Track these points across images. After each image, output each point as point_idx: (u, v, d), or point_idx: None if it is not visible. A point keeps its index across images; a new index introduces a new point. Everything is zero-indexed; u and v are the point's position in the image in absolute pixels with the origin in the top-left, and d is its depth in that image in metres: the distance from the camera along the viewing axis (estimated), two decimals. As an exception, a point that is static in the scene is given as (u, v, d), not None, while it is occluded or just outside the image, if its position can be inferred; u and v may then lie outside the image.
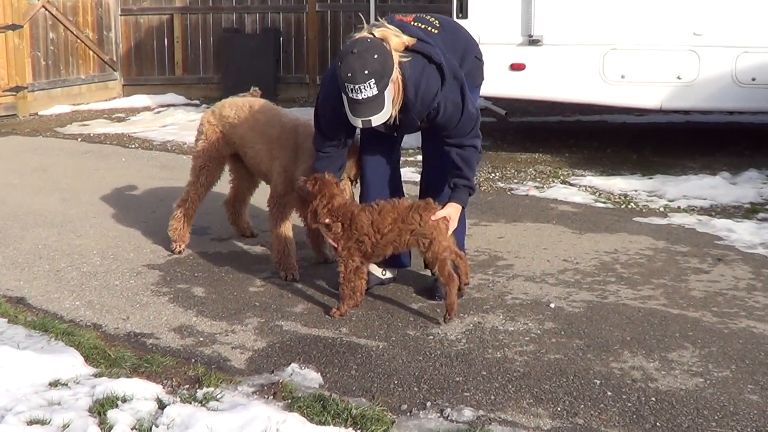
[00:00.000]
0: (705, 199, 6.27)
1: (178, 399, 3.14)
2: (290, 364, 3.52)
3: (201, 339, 3.84)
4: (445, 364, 3.53)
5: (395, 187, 4.33)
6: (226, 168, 5.12)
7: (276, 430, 2.86)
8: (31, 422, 2.93)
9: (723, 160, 7.43)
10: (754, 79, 7.11)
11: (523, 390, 3.29)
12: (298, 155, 4.46)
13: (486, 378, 3.39)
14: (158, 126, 10.13)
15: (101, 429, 2.90)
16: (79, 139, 9.30)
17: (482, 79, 4.31)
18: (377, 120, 3.70)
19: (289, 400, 3.17)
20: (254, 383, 3.35)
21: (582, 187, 6.69)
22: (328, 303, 4.20)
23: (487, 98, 8.56)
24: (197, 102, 12.08)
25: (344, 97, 3.70)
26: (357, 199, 4.38)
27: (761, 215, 5.81)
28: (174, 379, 3.38)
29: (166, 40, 12.73)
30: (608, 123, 9.67)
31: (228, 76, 12.10)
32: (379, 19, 3.91)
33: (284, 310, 4.16)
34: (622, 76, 7.32)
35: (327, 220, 3.96)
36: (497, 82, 6.93)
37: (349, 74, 3.60)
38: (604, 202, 6.26)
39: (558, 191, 6.57)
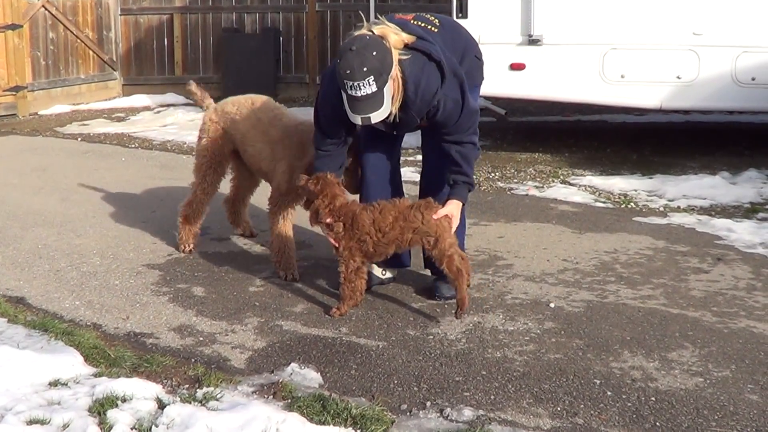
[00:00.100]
0: (705, 198, 6.27)
1: (178, 399, 3.14)
2: (290, 363, 3.52)
3: (201, 339, 3.84)
4: (444, 363, 3.53)
5: (395, 187, 4.33)
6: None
7: (276, 430, 2.86)
8: (30, 422, 2.93)
9: (723, 160, 7.43)
10: (753, 79, 7.12)
11: (523, 390, 3.29)
12: (304, 154, 4.44)
13: (486, 378, 3.39)
14: (158, 126, 10.13)
15: (101, 429, 2.90)
16: (79, 139, 9.31)
17: (482, 78, 4.31)
18: (376, 117, 3.70)
19: (289, 400, 3.17)
20: (254, 383, 3.35)
21: (582, 187, 6.69)
22: (328, 303, 4.20)
23: (487, 98, 8.55)
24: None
25: (343, 95, 3.70)
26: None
27: (761, 215, 5.81)
28: (174, 379, 3.39)
29: (165, 39, 12.73)
30: (608, 123, 9.67)
31: (228, 75, 12.11)
32: (379, 17, 3.91)
33: (284, 310, 4.16)
34: (622, 76, 7.32)
35: (328, 220, 3.97)
36: (497, 82, 6.93)
37: (348, 71, 3.60)
38: (603, 202, 6.26)
39: (558, 191, 6.57)
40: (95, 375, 3.35)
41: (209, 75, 12.69)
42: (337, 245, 3.99)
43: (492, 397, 3.24)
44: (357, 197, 4.31)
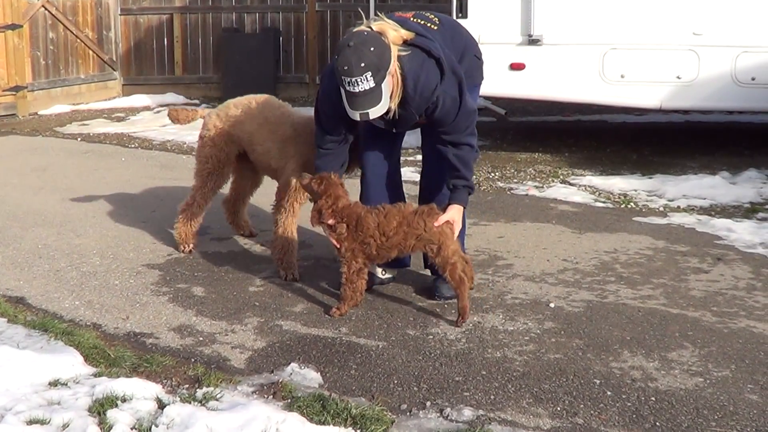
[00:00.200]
0: (705, 198, 6.27)
1: (178, 399, 3.14)
2: (290, 363, 3.52)
3: (201, 339, 3.84)
4: (444, 363, 3.53)
5: (395, 187, 4.32)
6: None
7: (276, 430, 2.86)
8: (30, 422, 2.93)
9: (723, 160, 7.44)
10: (753, 79, 7.12)
11: (522, 390, 3.29)
12: (313, 150, 4.41)
13: (486, 378, 3.39)
14: (158, 126, 10.13)
15: (101, 429, 2.90)
16: (79, 139, 9.31)
17: (482, 78, 4.31)
18: (375, 113, 3.70)
19: (289, 400, 3.17)
20: (254, 383, 3.35)
21: (582, 187, 6.69)
22: (328, 303, 4.20)
23: (486, 98, 8.57)
24: (197, 102, 12.08)
25: (342, 91, 3.71)
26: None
27: (761, 215, 5.81)
28: (174, 379, 3.38)
29: (165, 39, 12.73)
30: (608, 123, 9.67)
31: (228, 75, 12.11)
32: (379, 14, 3.91)
33: (284, 310, 4.16)
34: (622, 76, 7.32)
35: (331, 221, 3.97)
36: (497, 82, 6.93)
37: (346, 67, 3.61)
38: (603, 202, 6.26)
39: (558, 191, 6.57)
40: (95, 375, 3.35)
41: (209, 75, 12.70)
42: (338, 246, 3.99)
43: (492, 397, 3.24)
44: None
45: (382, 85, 3.65)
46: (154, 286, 4.53)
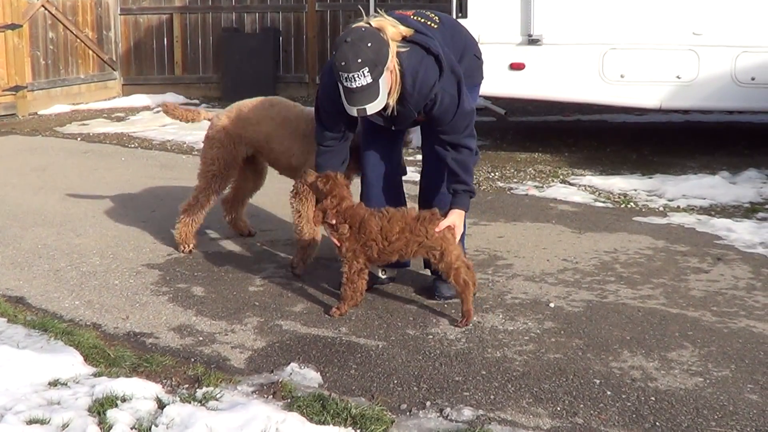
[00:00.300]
0: (704, 198, 6.27)
1: (178, 398, 3.14)
2: (290, 363, 3.52)
3: (200, 338, 3.84)
4: (444, 363, 3.53)
5: (396, 187, 4.32)
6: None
7: (275, 430, 2.86)
8: (30, 422, 2.93)
9: (722, 160, 7.44)
10: (753, 79, 7.12)
11: (522, 389, 3.29)
12: None
13: (485, 377, 3.39)
14: (158, 125, 10.13)
15: (101, 428, 2.90)
16: (79, 139, 9.31)
17: (481, 78, 4.30)
18: (372, 108, 3.71)
19: (289, 400, 3.17)
20: (254, 383, 3.35)
21: (581, 187, 6.69)
22: (328, 302, 4.20)
23: (486, 98, 8.57)
24: (197, 101, 12.08)
25: (340, 86, 3.71)
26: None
27: (761, 215, 5.81)
28: (173, 379, 3.38)
29: (165, 39, 12.73)
30: (608, 122, 9.67)
31: (227, 75, 12.11)
32: (378, 11, 3.91)
33: (284, 310, 4.16)
34: (622, 76, 7.33)
35: (333, 221, 3.97)
36: (497, 82, 6.93)
37: (343, 63, 3.61)
38: (603, 202, 6.26)
39: (557, 191, 6.57)
40: (95, 375, 3.35)
41: (209, 75, 12.70)
42: (340, 245, 3.99)
43: (492, 396, 3.24)
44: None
45: (380, 80, 3.65)
46: (153, 285, 4.53)
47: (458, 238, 3.96)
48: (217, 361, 3.59)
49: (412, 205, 4.18)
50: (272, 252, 5.07)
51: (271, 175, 5.21)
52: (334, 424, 2.95)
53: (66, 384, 3.25)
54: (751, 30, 7.07)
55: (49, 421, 2.93)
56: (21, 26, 10.85)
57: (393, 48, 3.70)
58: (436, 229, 3.87)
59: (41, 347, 3.59)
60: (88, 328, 3.96)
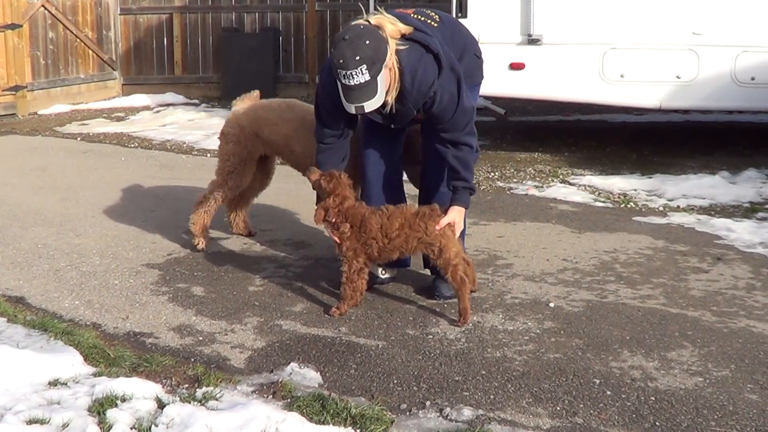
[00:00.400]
0: (704, 198, 6.27)
1: (178, 398, 3.14)
2: (289, 363, 3.52)
3: (200, 338, 3.84)
4: (444, 363, 3.53)
5: (396, 185, 4.32)
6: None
7: (275, 430, 2.86)
8: (30, 421, 2.93)
9: (722, 160, 7.44)
10: (753, 79, 7.12)
11: (522, 389, 3.29)
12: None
13: (485, 377, 3.39)
14: (157, 125, 10.13)
15: (100, 428, 2.90)
16: (79, 139, 9.31)
17: (482, 77, 4.31)
18: (370, 106, 3.71)
19: (289, 400, 3.17)
20: (253, 382, 3.35)
21: (581, 187, 6.69)
22: (328, 302, 4.20)
23: (486, 97, 8.56)
24: (196, 101, 12.09)
25: (338, 84, 3.71)
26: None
27: (760, 214, 5.81)
28: (173, 379, 3.38)
29: (165, 39, 12.73)
30: (608, 122, 9.67)
31: (227, 75, 12.11)
32: (378, 8, 3.91)
33: (283, 310, 4.16)
34: (622, 76, 7.33)
35: (334, 220, 3.97)
36: (497, 82, 6.93)
37: (341, 60, 3.62)
38: (603, 202, 6.26)
39: (557, 190, 6.57)
40: (95, 374, 3.35)
41: (209, 74, 12.70)
42: (340, 244, 3.99)
43: (491, 396, 3.24)
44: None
45: (378, 78, 3.65)
46: (153, 285, 4.53)
47: (457, 234, 3.96)
48: (217, 361, 3.59)
49: (413, 204, 4.18)
50: (272, 252, 5.07)
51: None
52: (333, 424, 2.95)
53: (66, 384, 3.25)
54: (751, 30, 7.07)
55: (49, 421, 2.93)
56: (21, 26, 10.85)
57: (392, 46, 3.70)
58: (437, 227, 3.88)
59: (41, 347, 3.59)
60: (88, 327, 3.96)
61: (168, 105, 11.76)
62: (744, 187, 6.50)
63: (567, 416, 3.09)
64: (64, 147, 8.82)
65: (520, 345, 3.70)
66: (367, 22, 3.73)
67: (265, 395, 3.22)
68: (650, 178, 6.90)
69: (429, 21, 4.00)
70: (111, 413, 2.96)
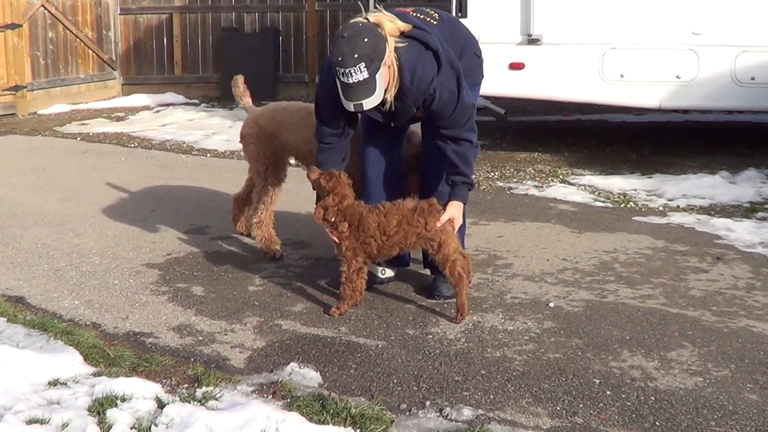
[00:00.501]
0: (704, 198, 6.27)
1: (178, 398, 3.14)
2: (289, 363, 3.52)
3: (200, 338, 3.84)
4: (444, 363, 3.53)
5: (396, 184, 4.32)
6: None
7: (275, 429, 2.86)
8: (30, 421, 2.93)
9: (722, 160, 7.44)
10: (753, 79, 7.12)
11: (522, 389, 3.29)
12: None
13: (485, 377, 3.39)
14: (157, 125, 10.13)
15: (100, 428, 2.90)
16: (79, 139, 9.30)
17: (482, 77, 4.31)
18: (369, 104, 3.71)
19: (289, 400, 3.17)
20: (253, 382, 3.35)
21: (581, 187, 6.69)
22: (328, 302, 4.20)
23: (486, 97, 8.56)
24: (196, 101, 12.09)
25: (337, 81, 3.71)
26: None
27: (760, 214, 5.81)
28: (173, 379, 3.38)
29: (165, 39, 12.74)
30: (607, 122, 9.67)
31: (227, 75, 12.00)
32: (377, 6, 3.91)
33: (283, 310, 4.16)
34: (622, 76, 7.33)
35: (333, 218, 3.97)
36: (497, 81, 6.94)
37: (340, 58, 3.62)
38: (603, 202, 6.26)
39: (557, 190, 6.57)
40: (94, 374, 3.35)
41: (209, 74, 12.70)
42: (339, 243, 3.99)
43: (491, 396, 3.24)
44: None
45: (377, 75, 3.65)
46: (153, 285, 4.53)
47: (456, 229, 3.96)
48: (217, 361, 3.59)
49: (410, 199, 4.16)
50: (272, 252, 5.07)
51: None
52: (333, 424, 2.95)
53: (66, 384, 3.25)
54: (750, 30, 7.07)
55: (48, 421, 2.93)
56: (21, 26, 10.85)
57: (390, 43, 3.70)
58: (437, 224, 3.88)
59: (41, 347, 3.59)
60: (88, 327, 3.96)
61: (168, 105, 11.76)
62: (744, 187, 6.50)
63: (567, 416, 3.09)
64: (64, 147, 8.82)
65: (520, 345, 3.70)
66: (365, 20, 3.73)
67: (265, 395, 3.22)
68: (650, 177, 6.90)
69: (428, 19, 4.00)
70: (111, 413, 2.96)
